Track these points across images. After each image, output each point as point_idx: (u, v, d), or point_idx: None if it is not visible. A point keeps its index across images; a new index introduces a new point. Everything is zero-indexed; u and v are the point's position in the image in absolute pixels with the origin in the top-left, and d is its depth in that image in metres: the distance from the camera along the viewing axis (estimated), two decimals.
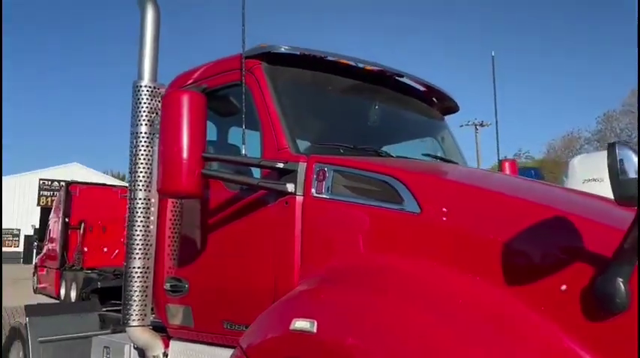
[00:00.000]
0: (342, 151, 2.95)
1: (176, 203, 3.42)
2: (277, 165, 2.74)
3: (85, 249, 15.91)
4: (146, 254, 3.37)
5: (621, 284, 1.74)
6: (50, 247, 17.89)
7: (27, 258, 37.59)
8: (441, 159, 3.53)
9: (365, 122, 3.49)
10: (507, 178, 3.21)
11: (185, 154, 2.59)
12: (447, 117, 4.20)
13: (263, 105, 2.98)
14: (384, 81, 3.52)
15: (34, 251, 19.40)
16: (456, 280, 2.11)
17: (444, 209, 2.27)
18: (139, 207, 3.38)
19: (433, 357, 1.86)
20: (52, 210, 18.88)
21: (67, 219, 16.37)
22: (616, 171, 1.52)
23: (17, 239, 49.03)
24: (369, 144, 3.26)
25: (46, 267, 18.28)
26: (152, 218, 3.41)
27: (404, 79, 3.57)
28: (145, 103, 3.44)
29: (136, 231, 3.36)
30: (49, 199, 41.08)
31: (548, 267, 1.95)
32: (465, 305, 1.99)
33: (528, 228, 2.02)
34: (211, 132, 3.74)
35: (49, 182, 45.57)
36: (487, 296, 2.01)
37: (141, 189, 3.37)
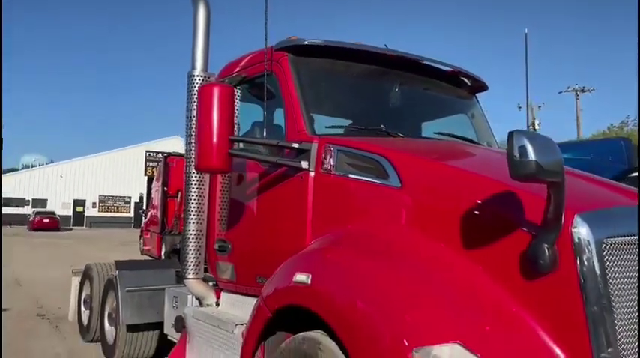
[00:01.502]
0: (353, 132, 3.35)
1: (224, 177, 4.00)
2: (293, 145, 3.20)
3: (182, 216, 17.33)
4: (199, 219, 3.99)
5: (546, 249, 2.04)
6: (152, 213, 19.70)
7: (136, 222, 41.23)
8: (455, 136, 3.80)
9: (383, 105, 3.84)
10: (481, 154, 3.43)
11: (215, 137, 3.11)
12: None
13: (287, 92, 3.44)
14: (403, 66, 3.82)
15: (142, 217, 21.47)
16: (423, 244, 2.49)
17: (419, 184, 2.63)
18: (194, 180, 4.00)
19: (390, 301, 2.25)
20: (154, 180, 20.72)
21: (165, 188, 17.93)
22: (511, 154, 1.83)
23: (128, 206, 54.01)
24: (388, 125, 3.62)
25: (149, 231, 20.18)
26: (205, 189, 4.02)
27: (423, 63, 3.84)
28: (197, 91, 4.00)
29: (192, 199, 3.99)
30: (154, 169, 44.46)
31: (497, 233, 2.27)
32: (423, 261, 2.38)
33: (482, 201, 2.34)
34: (258, 114, 4.26)
35: (154, 154, 49.19)
36: (443, 255, 2.39)
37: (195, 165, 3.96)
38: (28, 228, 41.92)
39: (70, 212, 52.11)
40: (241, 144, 3.64)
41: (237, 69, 4.05)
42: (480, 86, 4.32)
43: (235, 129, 3.85)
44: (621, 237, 2.11)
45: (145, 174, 49.25)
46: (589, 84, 39.27)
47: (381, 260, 2.50)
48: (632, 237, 2.13)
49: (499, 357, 2.00)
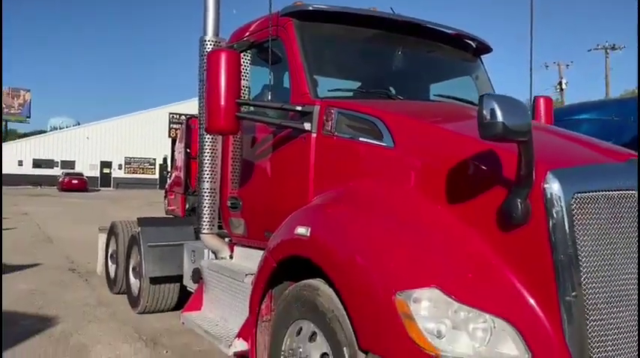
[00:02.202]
0: (355, 95, 3.51)
1: (236, 138, 4.21)
2: (296, 108, 3.39)
3: None
4: (213, 178, 4.25)
5: (519, 203, 2.22)
6: (176, 174, 20.16)
7: (161, 183, 42.18)
8: (456, 99, 3.92)
9: (388, 68, 3.97)
10: (473, 115, 3.56)
11: (222, 101, 3.30)
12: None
13: (292, 57, 3.60)
14: (408, 30, 3.92)
15: (167, 178, 22.03)
16: (412, 200, 2.69)
17: (410, 143, 2.81)
18: (207, 142, 4.23)
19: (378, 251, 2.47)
20: (177, 142, 21.14)
21: (188, 150, 18.27)
22: (482, 116, 1.99)
23: (153, 167, 55.11)
24: (392, 88, 3.77)
25: (174, 191, 20.74)
26: (217, 150, 4.26)
27: (427, 26, 3.93)
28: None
29: (205, 160, 4.24)
30: (178, 131, 44.76)
31: (478, 189, 2.45)
32: (410, 216, 2.59)
33: (465, 159, 2.52)
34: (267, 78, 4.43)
35: (177, 116, 49.66)
36: (429, 210, 2.59)
37: None
38: (58, 189, 43.25)
39: (97, 173, 53.44)
40: (251, 107, 3.85)
41: (247, 34, 4.20)
42: (484, 48, 4.39)
43: (245, 92, 4.05)
44: (591, 192, 2.27)
45: (169, 136, 49.98)
46: (619, 41, 38.06)
47: (374, 214, 2.71)
48: (601, 193, 2.30)
49: (473, 300, 2.21)
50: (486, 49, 4.42)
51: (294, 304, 2.93)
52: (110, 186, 52.74)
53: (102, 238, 7.98)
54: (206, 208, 4.23)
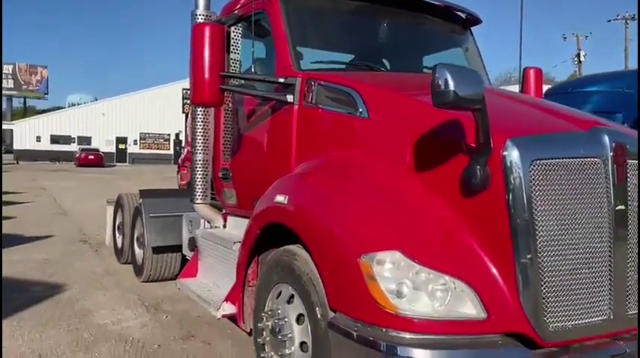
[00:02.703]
0: (336, 67, 3.58)
1: (227, 110, 4.31)
2: (279, 81, 3.47)
3: None
4: (205, 150, 4.36)
5: (477, 170, 2.30)
6: (188, 149, 20.34)
7: (175, 159, 42.61)
8: None
9: (374, 41, 4.01)
10: None
11: (207, 74, 3.40)
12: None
13: (276, 29, 3.67)
14: (394, 2, 3.94)
15: (181, 153, 22.33)
16: (382, 169, 2.78)
17: (383, 114, 2.89)
18: (199, 114, 4.34)
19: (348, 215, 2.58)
20: (189, 117, 21.34)
21: None
22: (435, 85, 2.07)
23: (168, 143, 55.64)
24: (378, 61, 3.83)
25: (186, 166, 21.01)
26: (209, 122, 4.37)
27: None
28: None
29: (198, 132, 4.35)
30: (191, 107, 44.80)
31: (443, 157, 2.54)
32: (379, 184, 2.69)
33: (432, 129, 2.60)
34: (260, 51, 4.50)
35: None
36: (398, 178, 2.69)
37: None
38: (75, 164, 44.01)
39: (113, 149, 54.15)
40: (237, 80, 3.94)
41: (237, 7, 4.26)
42: (473, 20, 4.40)
43: (237, 65, 4.13)
44: (549, 159, 2.34)
45: (183, 112, 50.44)
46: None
47: (346, 183, 2.82)
48: (560, 160, 2.36)
49: (434, 263, 2.32)
50: (476, 21, 4.43)
51: (274, 268, 3.07)
52: (126, 162, 53.40)
53: (110, 210, 8.20)
54: (199, 179, 4.36)
